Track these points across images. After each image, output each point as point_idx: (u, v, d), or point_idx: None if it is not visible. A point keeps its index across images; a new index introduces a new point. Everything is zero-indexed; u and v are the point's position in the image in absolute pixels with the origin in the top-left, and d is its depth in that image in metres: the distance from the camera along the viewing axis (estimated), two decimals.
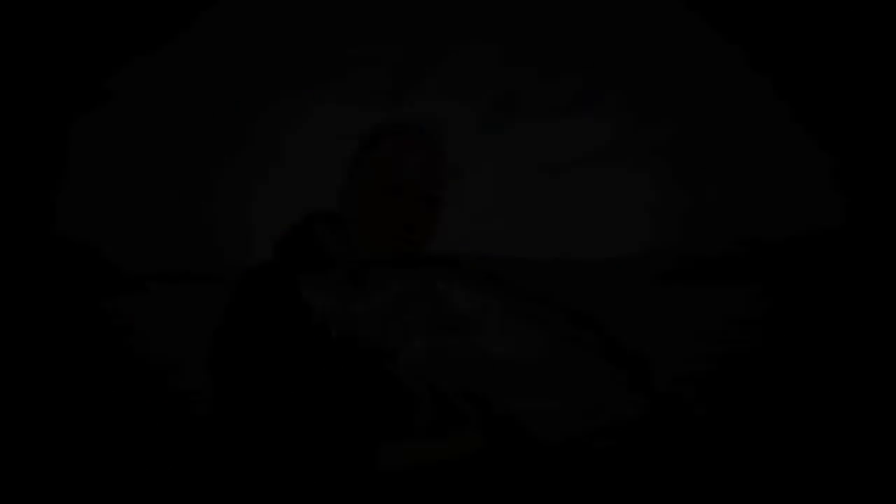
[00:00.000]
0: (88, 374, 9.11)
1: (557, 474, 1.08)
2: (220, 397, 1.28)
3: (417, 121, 1.40)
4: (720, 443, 1.10)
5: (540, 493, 1.11)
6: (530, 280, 1.08)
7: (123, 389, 8.04)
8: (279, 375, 1.16)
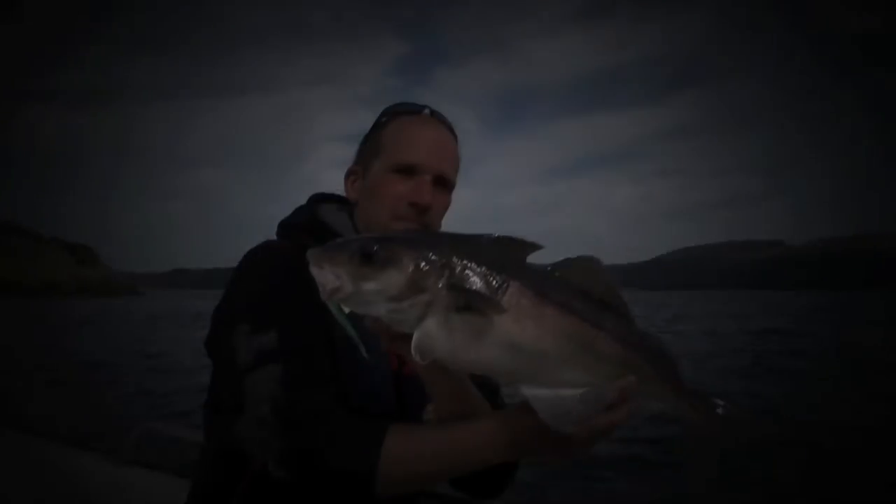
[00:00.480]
0: None
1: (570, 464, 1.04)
2: (221, 376, 1.24)
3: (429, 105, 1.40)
4: (743, 443, 1.06)
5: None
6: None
7: None
8: (283, 354, 1.13)
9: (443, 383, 1.07)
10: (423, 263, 0.89)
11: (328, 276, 0.89)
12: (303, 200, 1.45)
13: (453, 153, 1.39)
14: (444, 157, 1.34)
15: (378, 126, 1.40)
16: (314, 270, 0.90)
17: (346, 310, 1.08)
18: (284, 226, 1.38)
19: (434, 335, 0.89)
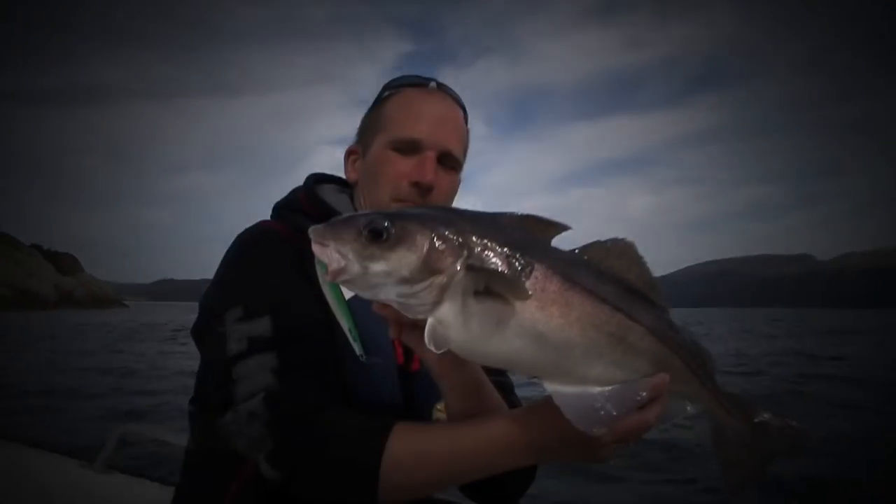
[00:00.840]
0: None
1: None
2: (209, 367, 1.21)
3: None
4: (780, 450, 1.05)
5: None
6: None
7: None
8: (278, 341, 1.09)
9: (456, 377, 1.03)
10: (438, 241, 0.86)
11: (332, 255, 0.86)
12: None
13: (461, 129, 1.35)
14: (449, 132, 1.31)
15: (379, 101, 1.38)
16: (316, 249, 0.87)
17: (347, 296, 1.05)
18: (279, 207, 1.36)
19: (450, 322, 0.86)
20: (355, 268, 0.85)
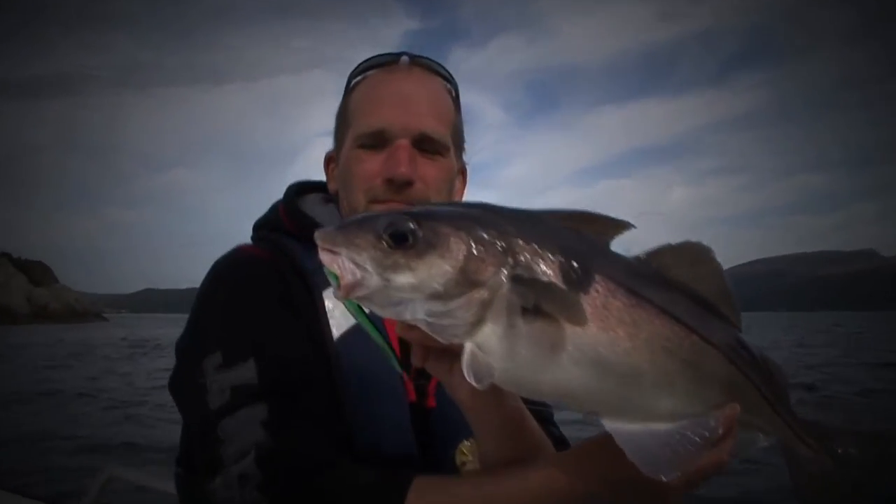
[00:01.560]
0: None
1: None
2: (192, 424, 1.16)
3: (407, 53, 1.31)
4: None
5: None
6: None
7: None
8: (266, 389, 1.05)
9: (493, 414, 0.96)
10: (478, 246, 0.79)
11: (345, 266, 0.79)
12: None
13: (439, 103, 1.28)
14: (423, 111, 1.24)
15: (346, 92, 1.33)
16: (325, 258, 0.80)
17: (366, 310, 0.98)
18: (258, 226, 1.33)
19: (493, 348, 0.79)
20: (374, 281, 0.78)
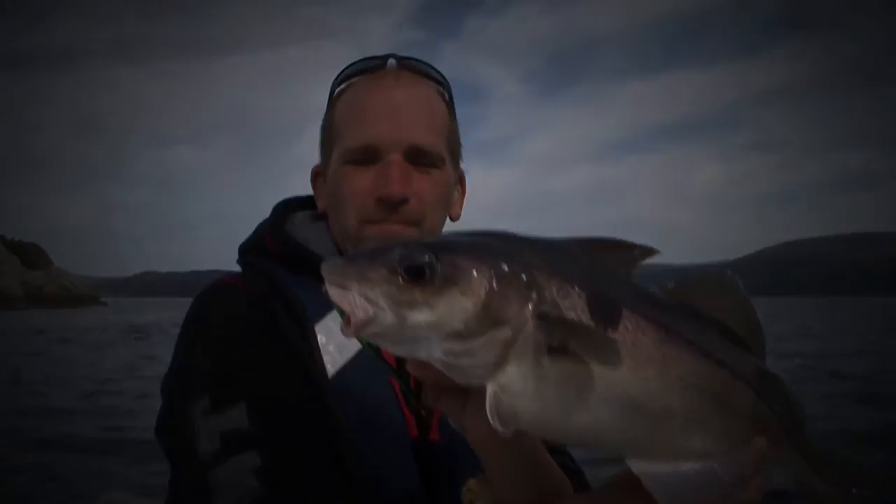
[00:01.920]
0: None
1: None
2: (181, 473, 1.15)
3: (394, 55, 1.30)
4: None
5: None
6: None
7: None
8: (258, 435, 1.04)
9: (509, 455, 0.95)
10: (501, 282, 0.78)
11: (356, 302, 0.77)
12: (298, 187, 1.40)
13: (431, 112, 1.27)
14: (414, 121, 1.23)
15: (331, 102, 1.32)
16: (334, 293, 0.79)
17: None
18: (245, 251, 1.31)
19: (517, 390, 0.78)
20: (388, 318, 0.77)
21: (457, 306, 0.76)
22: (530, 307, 0.78)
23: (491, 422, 0.77)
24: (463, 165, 1.38)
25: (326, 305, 1.06)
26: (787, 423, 0.95)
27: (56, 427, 10.12)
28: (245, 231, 1.33)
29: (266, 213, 1.35)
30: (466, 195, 1.40)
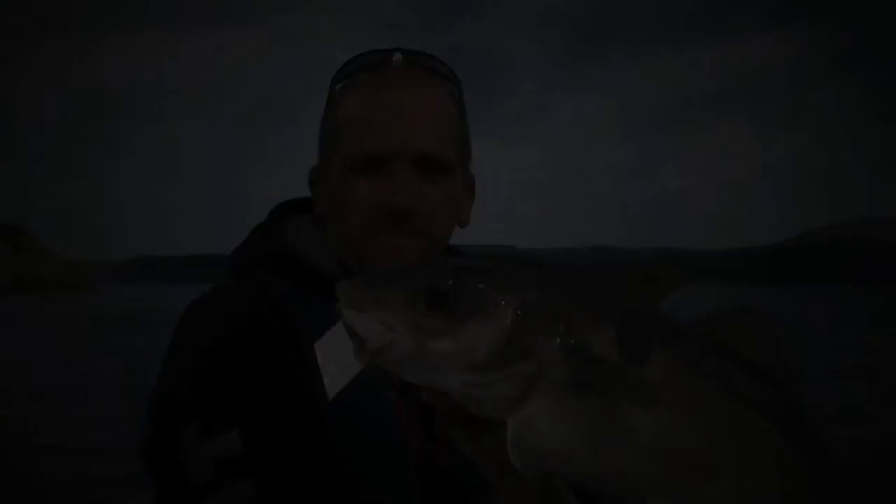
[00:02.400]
0: None
1: None
2: (171, 502, 1.16)
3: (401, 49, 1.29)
4: None
5: None
6: None
7: None
8: (253, 461, 1.05)
9: (525, 491, 0.95)
10: (527, 312, 0.80)
11: (373, 327, 0.79)
12: (307, 166, 1.40)
13: (441, 115, 1.27)
14: (421, 125, 1.23)
15: (332, 99, 1.31)
16: (349, 315, 0.80)
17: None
18: (238, 259, 1.31)
19: (540, 428, 0.80)
20: (407, 345, 0.78)
21: (480, 336, 0.77)
22: (557, 340, 0.79)
23: (511, 460, 0.79)
24: (477, 155, 1.38)
25: (326, 321, 1.05)
26: (817, 473, 0.95)
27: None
28: (250, 212, 1.32)
29: (266, 196, 1.35)
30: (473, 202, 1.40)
